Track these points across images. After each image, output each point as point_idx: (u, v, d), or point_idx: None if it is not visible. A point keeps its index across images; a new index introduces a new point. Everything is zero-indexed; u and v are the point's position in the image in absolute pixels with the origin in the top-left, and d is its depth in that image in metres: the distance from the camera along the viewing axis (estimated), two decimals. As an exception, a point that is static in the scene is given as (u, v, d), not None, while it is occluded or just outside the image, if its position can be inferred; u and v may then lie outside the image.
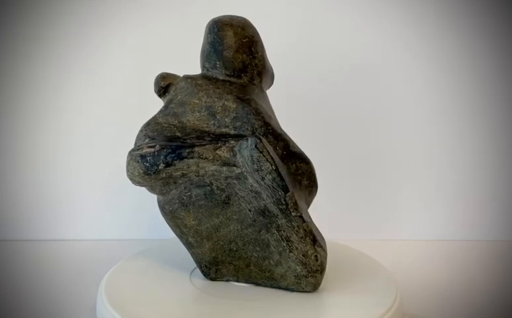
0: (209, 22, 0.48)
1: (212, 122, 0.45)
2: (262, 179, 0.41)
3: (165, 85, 0.48)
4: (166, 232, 0.66)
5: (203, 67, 0.49)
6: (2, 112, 0.66)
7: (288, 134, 0.46)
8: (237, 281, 0.47)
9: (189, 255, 0.51)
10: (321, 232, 0.45)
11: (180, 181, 0.44)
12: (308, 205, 0.46)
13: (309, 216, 0.44)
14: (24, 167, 0.67)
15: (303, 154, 0.45)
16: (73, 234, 0.68)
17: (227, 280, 0.47)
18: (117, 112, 0.67)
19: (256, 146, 0.40)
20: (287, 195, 0.41)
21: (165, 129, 0.45)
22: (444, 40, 0.67)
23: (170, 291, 0.46)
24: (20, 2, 0.64)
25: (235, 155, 0.42)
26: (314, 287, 0.44)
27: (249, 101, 0.45)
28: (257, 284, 0.46)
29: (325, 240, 0.57)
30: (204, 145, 0.42)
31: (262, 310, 0.42)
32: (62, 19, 0.65)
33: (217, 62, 0.47)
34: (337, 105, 0.68)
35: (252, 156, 0.41)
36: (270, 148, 0.41)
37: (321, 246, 0.43)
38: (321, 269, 0.43)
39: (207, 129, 0.45)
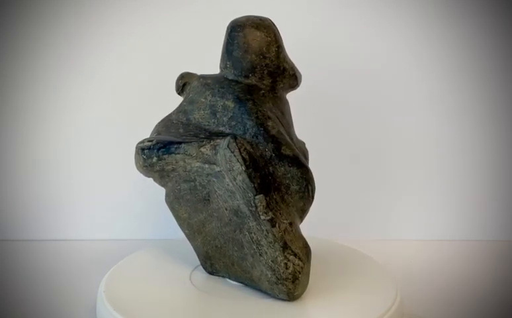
0: None
1: (213, 120, 0.46)
2: (234, 179, 0.42)
3: (182, 84, 0.50)
4: (166, 232, 0.66)
5: (219, 67, 0.49)
6: (2, 112, 0.66)
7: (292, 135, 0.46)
8: (229, 278, 0.47)
9: (189, 255, 0.52)
10: (307, 239, 0.44)
11: (172, 175, 0.46)
12: (302, 211, 0.45)
13: (291, 222, 0.43)
14: (24, 167, 0.67)
15: (298, 158, 0.44)
16: (73, 234, 0.68)
17: (223, 276, 0.48)
18: (117, 112, 0.67)
19: (228, 146, 0.41)
20: (256, 197, 0.41)
21: (172, 125, 0.47)
22: (445, 42, 0.67)
23: (170, 291, 0.46)
24: (20, 1, 0.64)
25: (216, 153, 0.42)
26: (288, 296, 0.43)
27: (247, 101, 0.45)
28: (245, 285, 0.46)
29: (326, 240, 0.57)
30: (190, 142, 0.44)
31: (263, 310, 0.42)
32: (62, 19, 0.65)
33: (228, 62, 0.48)
34: (337, 105, 0.68)
35: (225, 156, 0.41)
36: (245, 148, 0.41)
37: (295, 254, 0.42)
38: (292, 279, 0.42)
39: (207, 127, 0.45)
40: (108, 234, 0.68)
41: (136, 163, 0.46)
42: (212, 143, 0.43)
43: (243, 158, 0.41)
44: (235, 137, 0.42)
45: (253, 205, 0.41)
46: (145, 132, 0.68)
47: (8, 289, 0.52)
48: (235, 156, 0.41)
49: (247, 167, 0.41)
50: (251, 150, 0.42)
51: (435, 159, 0.69)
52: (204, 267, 0.49)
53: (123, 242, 0.66)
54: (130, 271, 0.50)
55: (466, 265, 0.61)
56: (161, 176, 0.46)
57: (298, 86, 0.49)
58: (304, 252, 0.43)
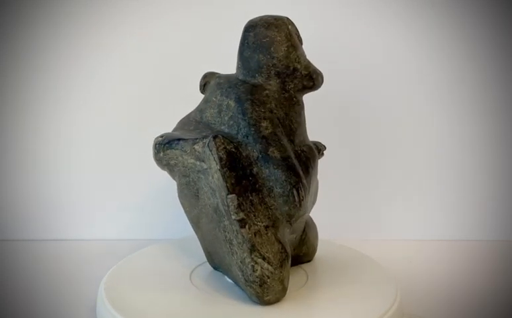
0: None
1: (218, 119, 0.46)
2: (212, 177, 0.42)
3: (203, 83, 0.50)
4: (166, 232, 0.66)
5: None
6: (3, 112, 0.66)
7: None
8: (227, 276, 0.47)
9: (189, 255, 0.52)
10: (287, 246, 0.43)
11: (176, 170, 0.47)
12: (288, 216, 0.43)
13: (267, 226, 0.42)
14: (25, 167, 0.67)
15: (286, 161, 0.43)
16: (73, 234, 0.68)
17: (223, 273, 0.48)
18: (118, 112, 0.67)
19: (208, 144, 0.42)
20: (228, 196, 0.41)
21: (188, 123, 0.49)
22: (445, 42, 0.67)
23: (170, 291, 0.46)
24: (20, 1, 0.65)
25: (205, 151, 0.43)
26: (258, 300, 0.42)
27: (245, 101, 0.45)
28: (236, 284, 0.46)
29: (325, 240, 0.57)
30: (187, 139, 0.45)
31: (263, 310, 0.42)
32: (63, 19, 0.65)
33: (239, 62, 0.48)
34: (337, 104, 0.68)
35: (206, 153, 0.43)
36: (224, 147, 0.42)
37: (264, 258, 0.41)
38: (259, 282, 0.42)
39: (213, 125, 0.46)
40: (108, 234, 0.68)
41: (152, 156, 0.49)
42: (204, 141, 0.44)
43: (219, 157, 0.42)
44: (215, 136, 0.42)
45: (225, 203, 0.42)
46: (145, 132, 0.68)
47: (8, 289, 0.52)
48: (212, 154, 0.42)
49: (222, 166, 0.42)
50: (233, 149, 0.43)
51: (435, 160, 0.69)
52: (208, 262, 0.50)
53: (123, 242, 0.66)
54: (130, 271, 0.50)
55: (466, 266, 0.61)
56: (170, 170, 0.48)
57: (316, 87, 0.48)
58: (277, 257, 0.42)
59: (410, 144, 0.69)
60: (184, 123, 0.49)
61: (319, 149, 0.50)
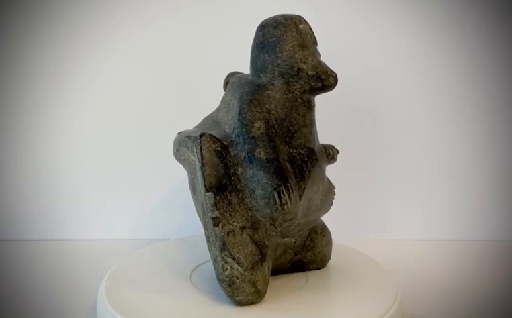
0: None
1: (225, 118, 0.47)
2: (197, 174, 0.44)
3: (225, 82, 0.51)
4: (166, 232, 0.67)
5: None
6: (3, 112, 0.66)
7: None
8: None
9: (189, 255, 0.52)
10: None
11: (185, 165, 0.49)
12: (271, 219, 0.43)
13: (244, 227, 0.42)
14: (25, 167, 0.67)
15: (271, 163, 0.42)
16: (73, 234, 0.68)
17: None
18: (119, 112, 0.67)
19: (194, 142, 0.44)
20: (206, 194, 0.42)
21: (206, 121, 0.50)
22: (446, 43, 0.67)
23: (170, 291, 0.46)
24: (20, 2, 0.65)
25: None
26: (230, 299, 0.42)
27: (244, 101, 0.45)
28: None
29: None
30: (191, 137, 0.46)
31: (263, 310, 0.42)
32: (63, 19, 0.65)
33: (249, 63, 0.48)
34: (335, 104, 0.68)
35: (194, 151, 0.44)
36: (209, 146, 0.43)
37: (234, 258, 0.41)
38: (228, 282, 0.42)
39: (221, 124, 0.47)
40: (108, 234, 0.68)
41: None
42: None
43: (202, 155, 0.43)
44: (201, 134, 0.43)
45: (204, 201, 0.43)
46: (146, 132, 0.68)
47: (8, 289, 0.52)
48: (196, 152, 0.43)
49: (203, 164, 0.43)
50: (218, 148, 0.43)
51: (435, 160, 0.69)
52: None
53: (123, 242, 0.66)
54: (130, 271, 0.50)
55: (465, 266, 0.61)
56: (183, 165, 0.49)
57: (328, 88, 0.46)
58: (249, 259, 0.42)
59: (410, 144, 0.69)
60: (204, 121, 0.50)
61: (328, 153, 0.49)
